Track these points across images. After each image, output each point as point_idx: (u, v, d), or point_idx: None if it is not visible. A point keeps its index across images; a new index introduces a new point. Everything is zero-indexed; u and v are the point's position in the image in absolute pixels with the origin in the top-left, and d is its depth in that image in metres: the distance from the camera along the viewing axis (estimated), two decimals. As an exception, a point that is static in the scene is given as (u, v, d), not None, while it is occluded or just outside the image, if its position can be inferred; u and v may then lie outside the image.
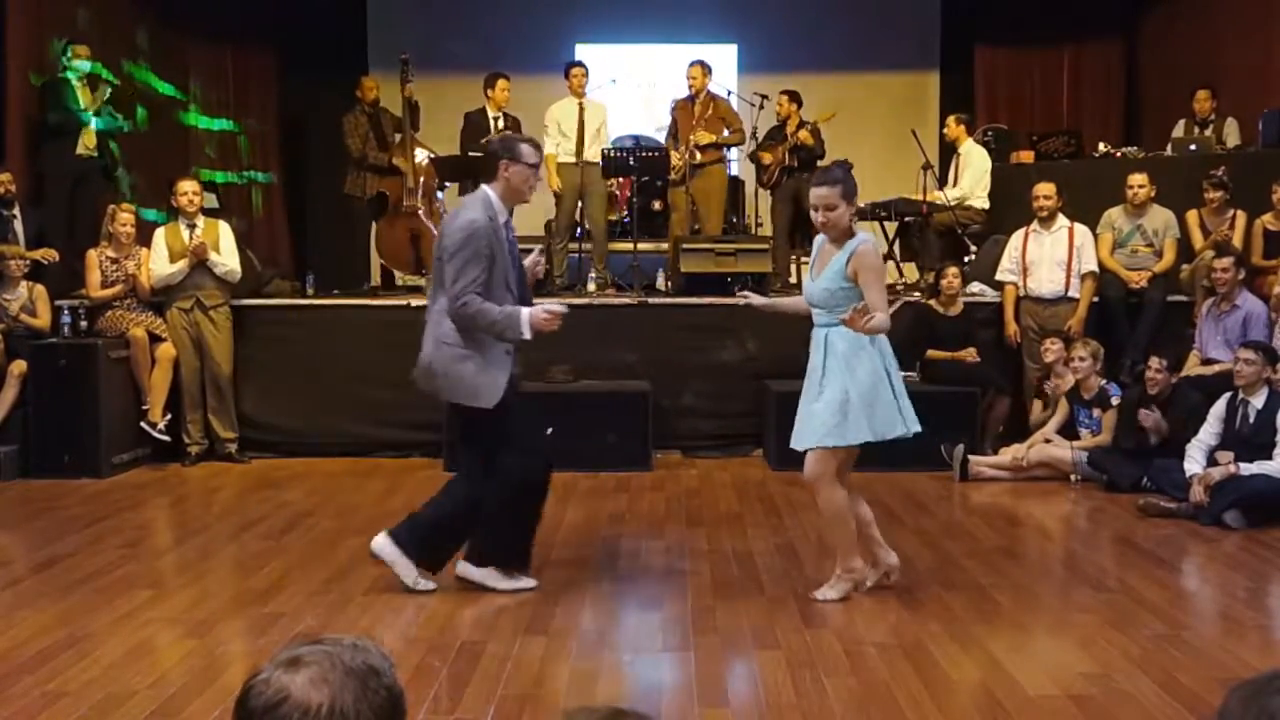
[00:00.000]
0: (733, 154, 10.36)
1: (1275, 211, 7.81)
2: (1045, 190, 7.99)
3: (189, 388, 7.76)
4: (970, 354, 7.83)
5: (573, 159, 9.35)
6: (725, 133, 9.52)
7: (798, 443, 4.68)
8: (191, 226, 7.73)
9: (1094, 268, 7.88)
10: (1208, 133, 9.25)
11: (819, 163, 9.80)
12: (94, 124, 8.32)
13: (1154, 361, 6.92)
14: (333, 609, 4.59)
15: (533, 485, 4.90)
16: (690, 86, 9.57)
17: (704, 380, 8.10)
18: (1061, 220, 7.97)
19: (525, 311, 4.72)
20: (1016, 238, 8.11)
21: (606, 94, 10.27)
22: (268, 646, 4.04)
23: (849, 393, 4.52)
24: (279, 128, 11.92)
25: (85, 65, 8.34)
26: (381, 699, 1.41)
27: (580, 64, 9.66)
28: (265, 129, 11.76)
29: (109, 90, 8.50)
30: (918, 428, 4.68)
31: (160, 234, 7.77)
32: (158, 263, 7.69)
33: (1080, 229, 7.96)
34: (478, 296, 4.68)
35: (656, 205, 10.18)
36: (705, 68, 9.61)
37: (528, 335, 4.71)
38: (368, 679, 1.41)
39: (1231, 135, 9.31)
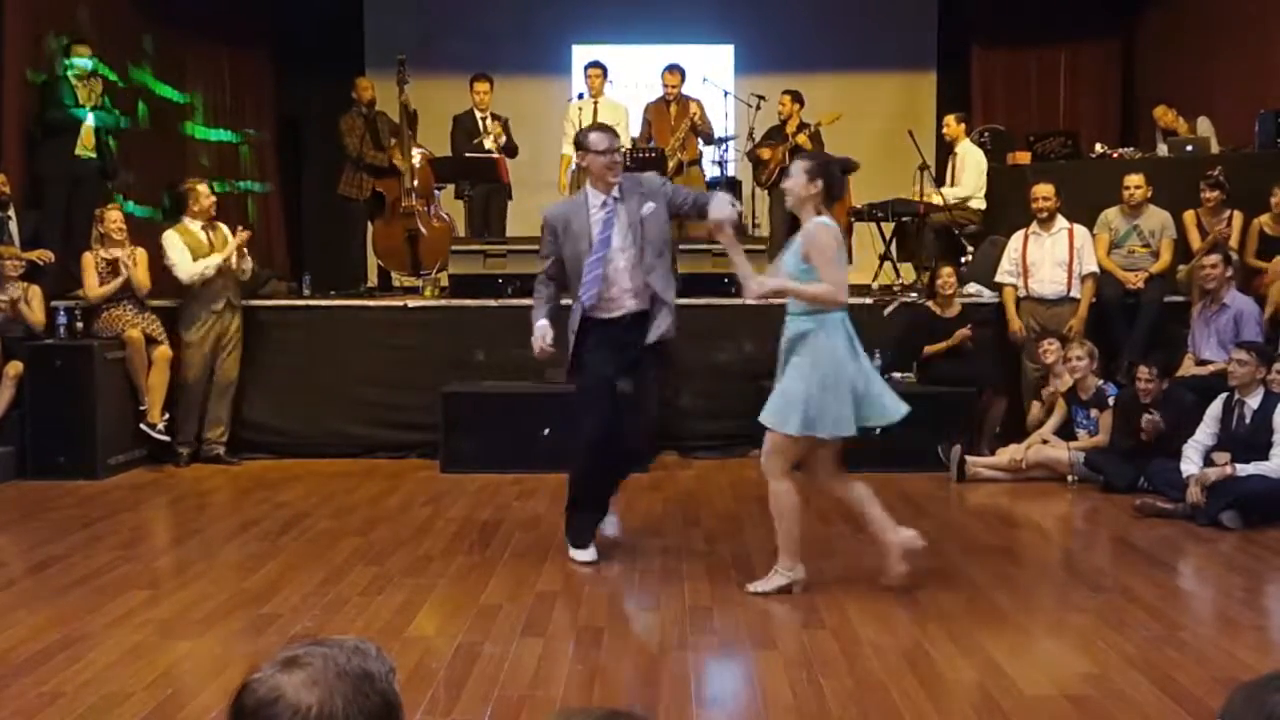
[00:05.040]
0: (729, 153, 10.36)
1: (1273, 214, 7.80)
2: (1044, 191, 7.99)
3: (195, 390, 7.75)
4: (964, 334, 7.78)
5: None
6: (700, 143, 9.56)
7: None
8: (208, 228, 7.74)
9: (1094, 269, 7.88)
10: (1185, 135, 9.24)
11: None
12: (91, 120, 8.30)
13: (1143, 370, 6.88)
14: (329, 610, 4.59)
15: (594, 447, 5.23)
16: (666, 91, 9.61)
17: (701, 381, 8.09)
18: (1061, 221, 7.97)
19: (542, 323, 5.29)
20: (1016, 239, 8.11)
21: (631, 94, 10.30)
22: (265, 647, 4.03)
23: (802, 383, 4.60)
24: (275, 128, 11.91)
25: (86, 63, 8.33)
26: (374, 704, 1.41)
27: (598, 64, 9.66)
28: (264, 137, 11.74)
29: (100, 84, 8.50)
30: (882, 421, 4.74)
31: (175, 236, 7.68)
32: (184, 261, 7.61)
33: (1080, 230, 7.96)
34: (542, 280, 5.33)
35: None
36: (681, 73, 9.65)
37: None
38: (361, 683, 1.41)
39: (1206, 131, 9.29)
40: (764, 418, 4.74)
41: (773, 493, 4.76)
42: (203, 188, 7.91)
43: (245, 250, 7.84)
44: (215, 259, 7.66)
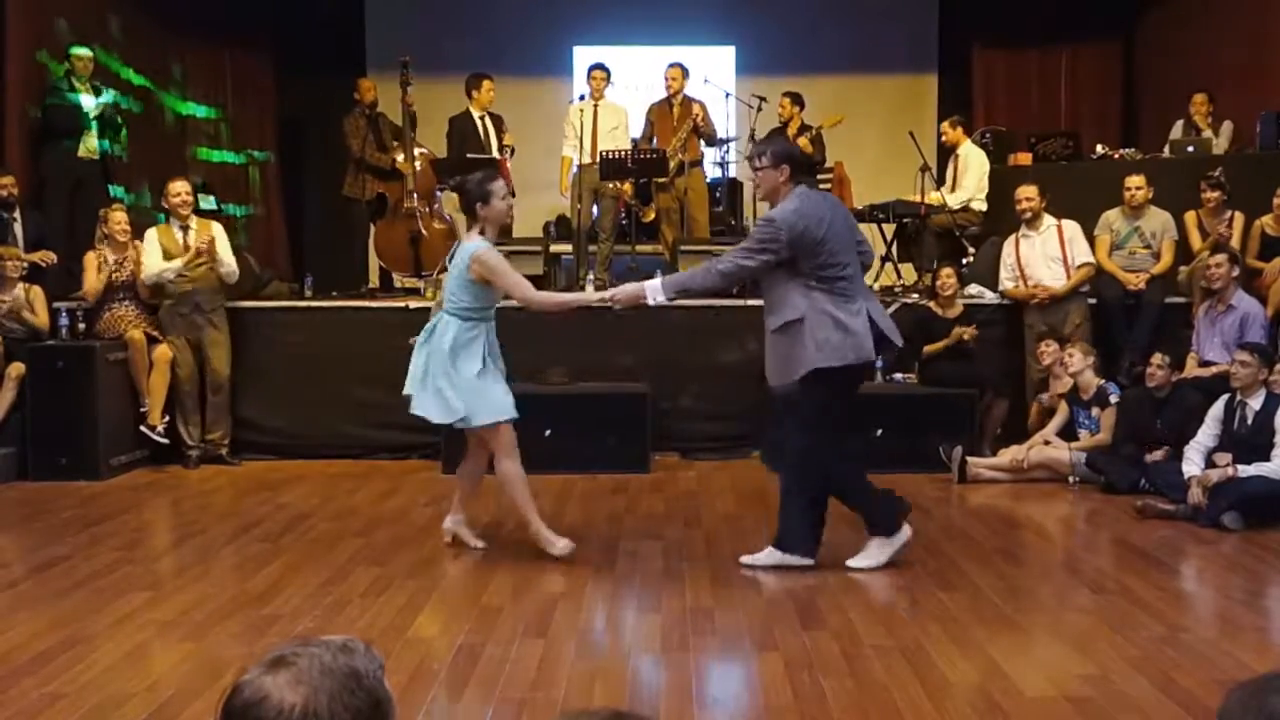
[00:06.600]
0: (731, 155, 10.36)
1: (1276, 215, 7.79)
2: (1027, 193, 8.04)
3: (188, 391, 7.75)
4: (968, 332, 7.77)
5: (588, 160, 9.34)
6: (702, 144, 9.53)
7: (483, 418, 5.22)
8: (185, 228, 7.71)
9: (1089, 259, 7.90)
10: (1205, 134, 9.25)
11: (817, 168, 9.83)
12: (96, 145, 8.38)
13: (1156, 357, 6.92)
14: (331, 611, 4.59)
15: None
16: (668, 89, 9.58)
17: (703, 382, 8.10)
18: (1048, 219, 8.02)
19: None
20: (1008, 245, 8.15)
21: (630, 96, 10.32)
22: (265, 649, 4.02)
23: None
24: (276, 129, 11.92)
25: (91, 101, 8.37)
26: (360, 701, 1.41)
27: (602, 66, 9.65)
28: (262, 116, 11.75)
29: (113, 113, 8.59)
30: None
31: (154, 234, 7.70)
32: (151, 260, 7.63)
33: (1068, 224, 8.00)
34: None
35: (650, 215, 10.09)
36: (684, 70, 9.62)
37: None
38: (347, 680, 1.41)
39: (1224, 138, 9.30)
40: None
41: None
42: (172, 185, 7.74)
43: (217, 254, 7.66)
44: (176, 264, 7.55)
